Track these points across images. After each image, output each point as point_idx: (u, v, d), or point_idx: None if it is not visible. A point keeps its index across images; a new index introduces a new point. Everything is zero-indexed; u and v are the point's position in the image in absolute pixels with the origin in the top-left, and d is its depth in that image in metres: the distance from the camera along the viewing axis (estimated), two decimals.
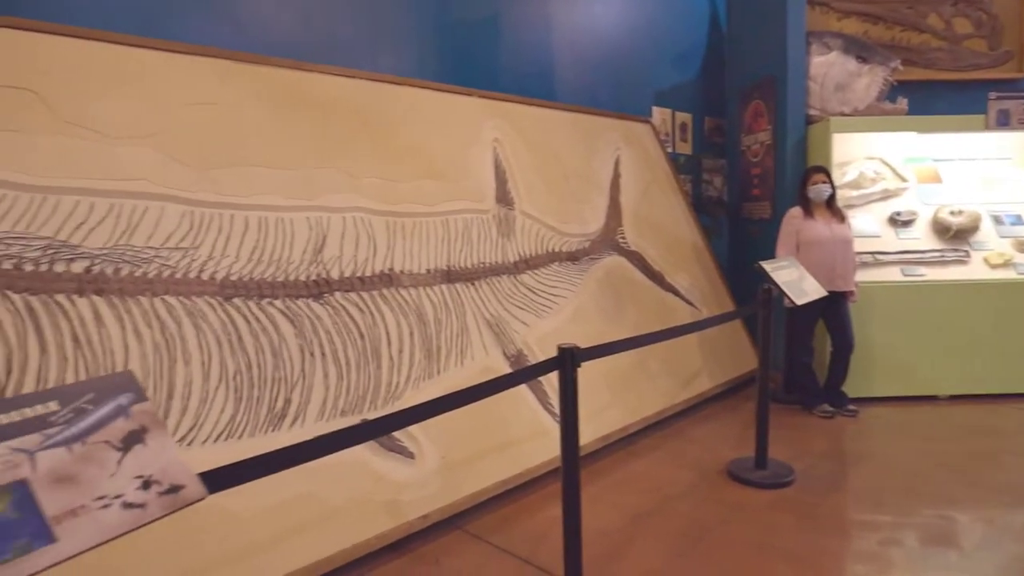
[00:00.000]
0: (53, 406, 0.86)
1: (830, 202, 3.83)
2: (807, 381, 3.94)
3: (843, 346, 3.81)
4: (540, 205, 3.55)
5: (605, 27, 4.76)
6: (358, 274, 2.57)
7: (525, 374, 1.85)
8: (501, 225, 3.26)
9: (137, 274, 2.07)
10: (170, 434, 0.88)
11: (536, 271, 3.33)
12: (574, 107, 4.21)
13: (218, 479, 0.95)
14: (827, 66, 4.36)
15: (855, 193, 4.29)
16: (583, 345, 1.91)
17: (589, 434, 3.07)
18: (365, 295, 2.56)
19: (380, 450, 2.34)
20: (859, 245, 3.98)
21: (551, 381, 3.04)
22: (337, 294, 2.48)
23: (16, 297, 1.85)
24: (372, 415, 2.38)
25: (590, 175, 4.01)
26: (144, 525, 0.83)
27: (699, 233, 4.74)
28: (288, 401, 2.21)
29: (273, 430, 2.15)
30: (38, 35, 2.19)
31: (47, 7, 2.42)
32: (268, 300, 2.30)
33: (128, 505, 0.83)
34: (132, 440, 0.88)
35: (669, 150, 5.05)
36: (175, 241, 2.19)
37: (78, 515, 0.79)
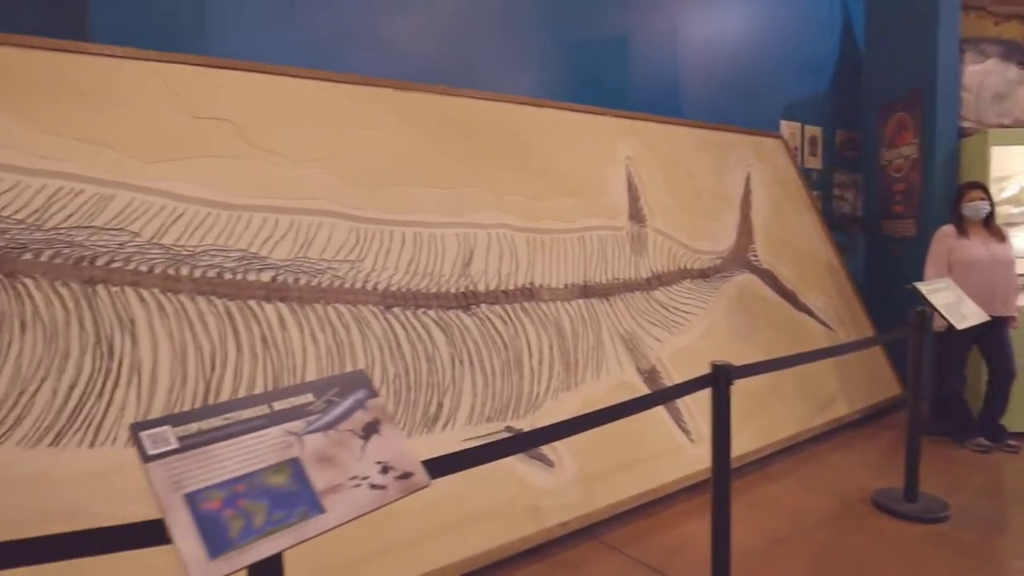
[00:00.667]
0: (310, 397, 1.00)
1: (988, 220, 3.58)
2: (959, 412, 3.67)
3: (1003, 375, 3.52)
4: (671, 222, 3.55)
5: (732, 41, 4.71)
6: (502, 288, 2.70)
7: (678, 390, 1.88)
8: (634, 242, 3.30)
9: (313, 284, 2.29)
10: (398, 426, 0.99)
11: (668, 288, 3.34)
12: (704, 123, 4.18)
13: (436, 467, 1.06)
14: (984, 75, 4.08)
15: (1016, 210, 3.97)
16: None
17: None
18: (508, 308, 2.68)
19: (523, 457, 2.44)
20: (1021, 266, 3.68)
21: (684, 399, 3.03)
22: (483, 306, 2.62)
23: (219, 302, 2.11)
24: (515, 422, 2.48)
25: (721, 192, 3.96)
26: (386, 505, 0.95)
27: (833, 251, 4.55)
28: (440, 405, 2.36)
29: (427, 431, 2.30)
30: (234, 72, 2.49)
31: (238, 47, 2.73)
32: (423, 310, 2.47)
33: (374, 486, 0.95)
34: (371, 430, 1.01)
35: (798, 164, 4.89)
36: (344, 254, 2.40)
37: (338, 491, 0.92)
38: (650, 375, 2.98)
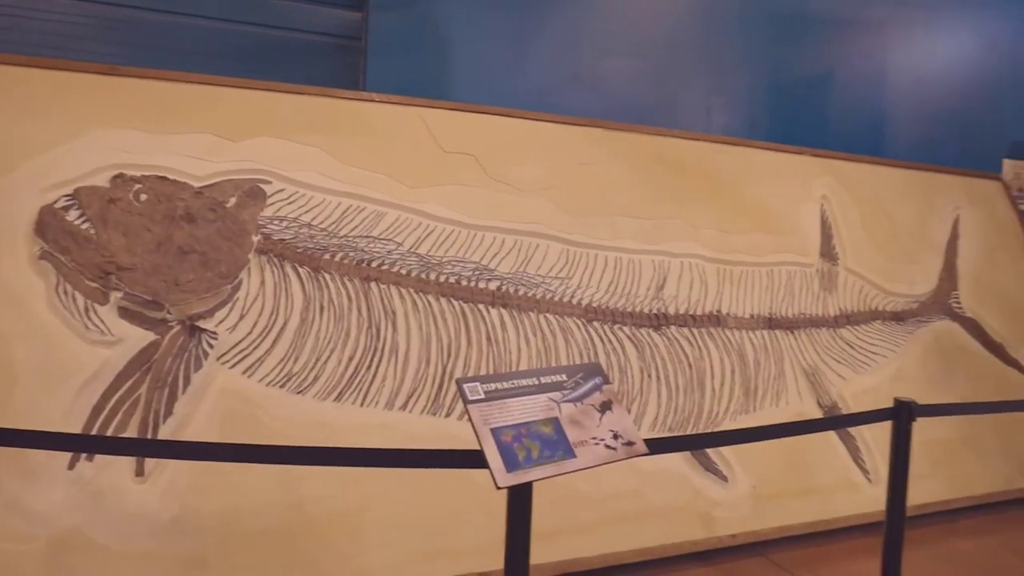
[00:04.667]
0: (564, 377, 1.37)
1: None
2: None
3: None
4: (865, 262, 3.56)
5: (949, 73, 4.53)
6: (691, 312, 2.96)
7: (855, 419, 2.03)
8: (824, 279, 3.38)
9: (529, 295, 2.72)
10: (625, 407, 1.32)
11: (856, 327, 3.36)
12: (908, 163, 4.08)
13: (652, 446, 1.38)
14: None
15: None
16: None
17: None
18: (695, 331, 2.93)
19: (698, 467, 2.67)
20: None
21: (863, 436, 3.05)
22: (672, 327, 2.89)
23: (456, 304, 2.60)
24: None
25: (923, 235, 3.86)
26: (616, 462, 1.29)
27: None
28: (627, 411, 2.66)
29: None
30: (476, 115, 3.01)
31: (480, 94, 3.28)
32: (618, 326, 2.80)
33: (608, 447, 1.29)
34: (605, 407, 1.35)
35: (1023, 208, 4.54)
36: (555, 272, 2.80)
37: (584, 445, 1.27)
38: (831, 411, 3.05)
